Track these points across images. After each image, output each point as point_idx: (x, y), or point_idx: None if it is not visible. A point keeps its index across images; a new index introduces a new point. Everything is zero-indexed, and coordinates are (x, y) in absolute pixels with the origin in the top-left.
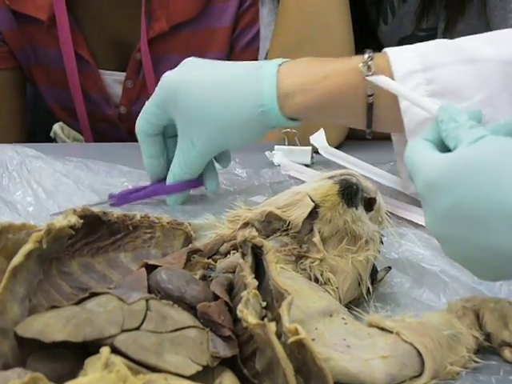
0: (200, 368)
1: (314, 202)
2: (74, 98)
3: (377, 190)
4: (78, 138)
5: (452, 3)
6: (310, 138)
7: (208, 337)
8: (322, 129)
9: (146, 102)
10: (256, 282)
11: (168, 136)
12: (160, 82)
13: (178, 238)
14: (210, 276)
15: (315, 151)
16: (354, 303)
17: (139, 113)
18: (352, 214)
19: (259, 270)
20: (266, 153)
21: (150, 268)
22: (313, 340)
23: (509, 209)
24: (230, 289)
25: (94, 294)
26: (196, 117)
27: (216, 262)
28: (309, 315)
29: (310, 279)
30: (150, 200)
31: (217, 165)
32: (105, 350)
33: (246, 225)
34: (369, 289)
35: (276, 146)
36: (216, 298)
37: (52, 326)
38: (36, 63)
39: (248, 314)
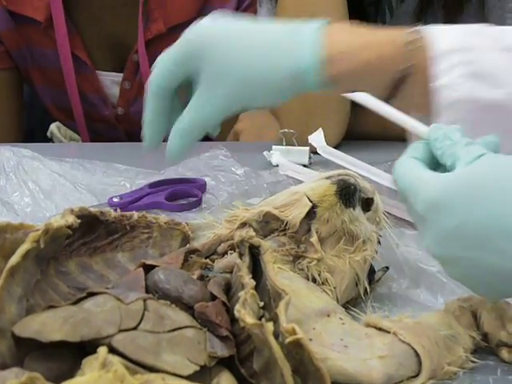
0: (197, 368)
1: (311, 202)
2: (71, 98)
3: (374, 190)
4: (75, 138)
5: (450, 3)
6: (309, 137)
7: (205, 337)
8: (320, 129)
9: (162, 54)
10: (253, 282)
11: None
12: (183, 35)
13: (176, 238)
14: (207, 276)
15: (313, 151)
16: (352, 303)
17: (137, 114)
18: (349, 214)
19: (257, 270)
20: (264, 153)
21: (148, 268)
22: (310, 340)
23: None
24: (228, 289)
25: (92, 294)
26: (224, 69)
27: (214, 262)
28: (306, 315)
29: (308, 279)
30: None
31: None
32: (102, 350)
33: (243, 225)
34: (366, 289)
35: (274, 146)
36: (214, 298)
37: (49, 325)
38: (33, 64)
39: (245, 314)
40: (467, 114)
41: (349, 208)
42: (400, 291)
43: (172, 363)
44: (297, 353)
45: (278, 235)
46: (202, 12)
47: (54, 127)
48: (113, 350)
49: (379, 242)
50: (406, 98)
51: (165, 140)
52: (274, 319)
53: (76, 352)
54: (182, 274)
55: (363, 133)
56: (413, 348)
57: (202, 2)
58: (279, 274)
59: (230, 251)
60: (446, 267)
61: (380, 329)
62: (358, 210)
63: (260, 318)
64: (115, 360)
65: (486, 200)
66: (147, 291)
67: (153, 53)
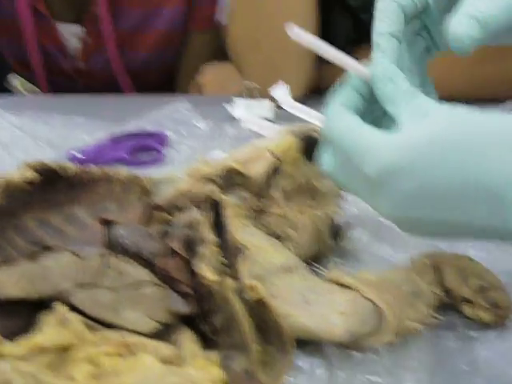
0: (158, 325)
1: (275, 156)
2: (29, 50)
3: None
4: (35, 91)
5: None
6: (270, 90)
7: (166, 293)
8: (282, 82)
9: None
10: (215, 238)
11: None
12: None
13: (136, 193)
14: (168, 231)
15: (279, 106)
16: (315, 259)
17: (97, 67)
18: (312, 169)
19: (220, 226)
20: (226, 105)
21: (107, 223)
22: (272, 296)
23: (483, 186)
24: (189, 245)
25: (49, 249)
26: None
27: (175, 217)
28: (268, 271)
29: (270, 235)
30: None
31: None
32: (60, 307)
33: (205, 180)
34: (329, 244)
35: (235, 99)
36: (175, 254)
37: (4, 282)
38: None
39: (206, 270)
40: None
41: (312, 163)
42: (363, 247)
43: (132, 320)
44: (258, 310)
45: (240, 190)
46: None
47: (13, 78)
48: (71, 307)
49: (342, 197)
50: None
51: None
52: (236, 275)
53: (32, 308)
54: (141, 229)
55: (330, 87)
56: (375, 304)
57: None
58: (241, 229)
59: (193, 207)
60: (404, 228)
61: (342, 285)
62: None
63: (222, 275)
64: (73, 317)
65: (446, 160)
66: (107, 247)
67: (114, 5)
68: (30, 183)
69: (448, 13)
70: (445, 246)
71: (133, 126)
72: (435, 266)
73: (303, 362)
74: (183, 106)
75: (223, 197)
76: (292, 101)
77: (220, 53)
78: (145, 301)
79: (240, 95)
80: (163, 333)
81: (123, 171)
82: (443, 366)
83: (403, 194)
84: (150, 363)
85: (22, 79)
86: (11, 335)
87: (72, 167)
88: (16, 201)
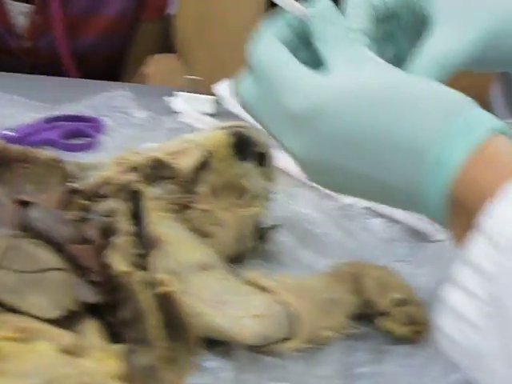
0: (62, 312)
1: (204, 151)
2: None
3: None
4: None
5: None
6: (213, 86)
7: (74, 281)
8: (226, 79)
9: None
10: (130, 228)
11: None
12: None
13: (57, 176)
14: (86, 218)
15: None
16: (237, 259)
17: (44, 47)
18: (242, 167)
19: (140, 217)
20: (165, 98)
21: (23, 204)
22: (185, 293)
23: (403, 141)
24: (106, 234)
25: None
26: None
27: (95, 204)
28: (184, 267)
29: (193, 231)
30: None
31: None
32: None
33: (132, 169)
34: (252, 245)
35: (177, 92)
36: (89, 242)
37: None
38: None
39: (117, 260)
40: None
41: (242, 161)
42: (286, 250)
43: (35, 305)
44: (167, 305)
45: (167, 183)
46: None
47: None
48: None
49: (269, 199)
50: None
51: None
52: (147, 268)
53: None
54: (56, 213)
55: None
56: (291, 309)
57: None
58: (160, 222)
59: (112, 195)
60: (311, 174)
61: (260, 287)
62: (251, 164)
63: (134, 267)
64: None
65: (372, 111)
66: (19, 228)
67: None
68: None
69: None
70: (369, 257)
71: (70, 109)
72: (355, 276)
73: (210, 362)
74: (124, 94)
75: (143, 187)
76: (232, 98)
77: (168, 44)
78: (50, 286)
79: (183, 89)
80: (67, 321)
81: (46, 153)
82: (353, 377)
83: (323, 136)
84: (45, 351)
85: None
86: None
87: None
88: None
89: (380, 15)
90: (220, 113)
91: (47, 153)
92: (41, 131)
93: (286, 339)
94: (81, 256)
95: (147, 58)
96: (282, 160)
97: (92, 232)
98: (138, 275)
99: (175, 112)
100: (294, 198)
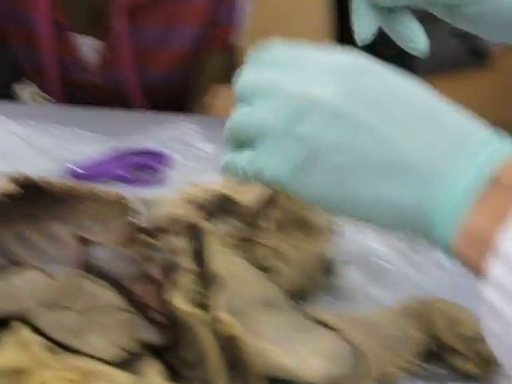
0: (121, 353)
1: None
2: (45, 60)
3: None
4: (46, 100)
5: None
6: None
7: (136, 321)
8: None
9: None
10: (193, 266)
11: None
12: None
13: (121, 214)
14: (149, 256)
15: None
16: (303, 295)
17: (113, 83)
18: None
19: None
20: None
21: (86, 243)
22: (248, 330)
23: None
24: (170, 272)
25: (20, 266)
26: None
27: (159, 241)
28: (247, 303)
29: (258, 267)
30: None
31: None
32: (20, 327)
33: (195, 205)
34: (319, 281)
35: None
36: (152, 280)
37: None
38: (12, 23)
39: (179, 299)
40: None
41: None
42: (354, 286)
43: (94, 346)
44: (230, 346)
45: (231, 218)
46: None
47: (23, 87)
48: (35, 328)
49: (337, 234)
50: None
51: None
52: (211, 307)
53: None
54: (118, 251)
55: None
56: (357, 348)
57: None
58: (223, 258)
59: (176, 232)
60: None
61: (326, 325)
62: None
63: (200, 306)
64: (34, 339)
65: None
66: (82, 267)
67: (136, 23)
68: (11, 196)
69: None
70: (438, 292)
71: (136, 142)
72: (424, 312)
73: None
74: (190, 126)
75: (205, 224)
76: None
77: (234, 75)
78: (111, 327)
79: None
80: (128, 361)
81: (109, 190)
82: None
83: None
84: None
85: (34, 87)
86: None
87: (58, 183)
88: None
89: None
90: None
91: (111, 190)
92: (107, 166)
93: (350, 377)
94: (143, 295)
95: (213, 89)
96: None
97: (155, 270)
98: (201, 315)
99: None
100: (362, 232)
